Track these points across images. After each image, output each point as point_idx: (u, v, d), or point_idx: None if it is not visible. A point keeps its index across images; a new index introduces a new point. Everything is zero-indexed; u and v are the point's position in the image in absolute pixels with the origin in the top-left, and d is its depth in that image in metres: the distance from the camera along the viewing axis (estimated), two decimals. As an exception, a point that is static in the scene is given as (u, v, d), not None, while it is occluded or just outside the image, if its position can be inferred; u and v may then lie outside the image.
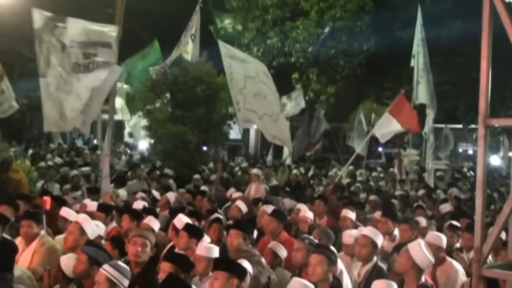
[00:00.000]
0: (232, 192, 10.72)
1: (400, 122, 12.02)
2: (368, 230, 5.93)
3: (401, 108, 12.30)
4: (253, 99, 11.10)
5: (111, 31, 10.16)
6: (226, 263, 4.59)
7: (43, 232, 6.02)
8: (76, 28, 9.75)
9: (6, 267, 4.34)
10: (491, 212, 10.93)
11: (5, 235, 6.27)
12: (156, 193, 10.00)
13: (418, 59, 13.95)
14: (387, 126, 12.41)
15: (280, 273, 5.95)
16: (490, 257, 5.49)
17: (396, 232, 7.40)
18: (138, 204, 8.17)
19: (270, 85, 11.22)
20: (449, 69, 21.64)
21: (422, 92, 13.91)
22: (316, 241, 5.72)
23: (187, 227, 6.13)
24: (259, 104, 11.13)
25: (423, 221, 8.20)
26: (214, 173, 13.60)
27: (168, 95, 14.48)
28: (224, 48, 11.42)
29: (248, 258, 5.32)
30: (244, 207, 8.37)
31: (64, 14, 9.83)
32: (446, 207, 10.11)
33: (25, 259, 5.90)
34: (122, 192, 10.12)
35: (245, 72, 11.23)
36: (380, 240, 5.80)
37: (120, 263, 4.58)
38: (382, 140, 13.38)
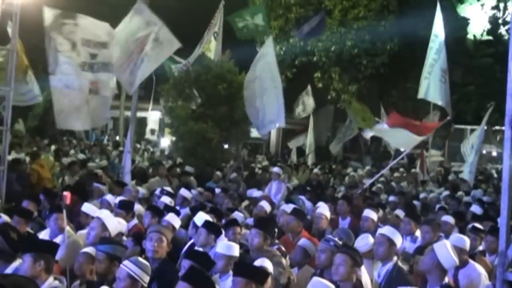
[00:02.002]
0: (253, 192, 10.69)
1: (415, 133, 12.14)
2: (385, 229, 5.89)
3: (401, 121, 12.52)
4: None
5: (109, 30, 9.74)
6: (244, 269, 4.55)
7: (67, 227, 6.09)
8: (85, 25, 9.40)
9: (50, 251, 4.49)
10: (515, 215, 10.72)
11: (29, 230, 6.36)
12: (176, 191, 10.03)
13: (429, 55, 13.67)
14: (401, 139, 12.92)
15: (308, 272, 5.93)
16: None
17: (418, 233, 7.34)
18: (165, 199, 8.25)
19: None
20: (474, 70, 21.32)
21: (425, 88, 13.51)
22: (341, 242, 5.69)
23: (205, 223, 6.17)
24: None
25: (450, 219, 8.08)
26: (233, 171, 13.67)
27: (194, 92, 14.51)
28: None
29: (269, 258, 5.30)
30: (268, 207, 8.35)
31: (87, 12, 9.78)
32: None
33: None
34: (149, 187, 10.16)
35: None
36: (398, 239, 5.71)
37: (140, 259, 4.61)
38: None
